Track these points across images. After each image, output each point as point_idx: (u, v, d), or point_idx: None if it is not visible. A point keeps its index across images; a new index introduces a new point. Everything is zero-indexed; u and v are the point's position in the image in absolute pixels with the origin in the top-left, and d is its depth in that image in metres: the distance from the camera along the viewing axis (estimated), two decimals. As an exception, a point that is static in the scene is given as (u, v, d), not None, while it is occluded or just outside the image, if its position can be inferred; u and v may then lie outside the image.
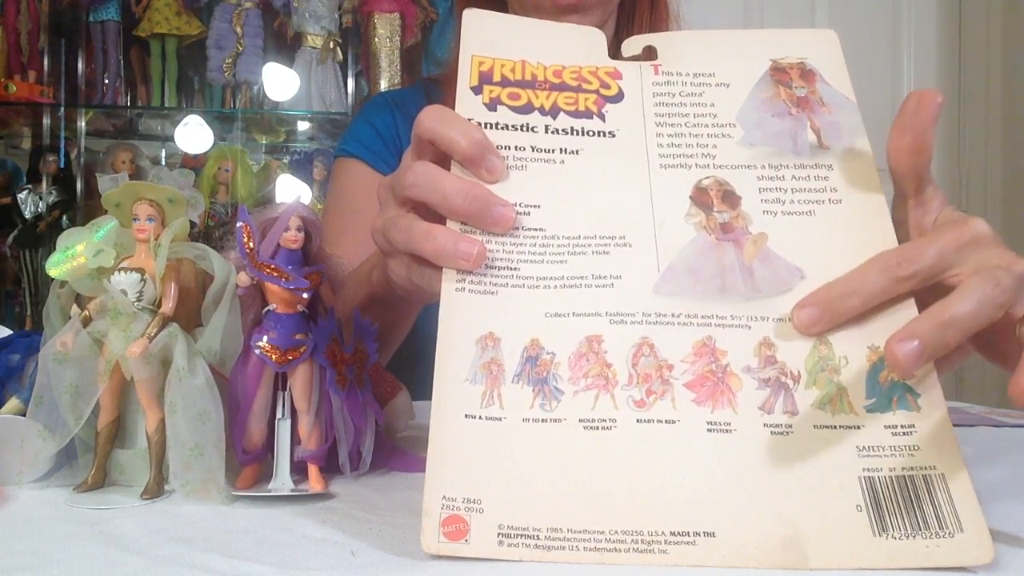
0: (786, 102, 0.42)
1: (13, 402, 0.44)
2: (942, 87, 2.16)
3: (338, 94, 2.05)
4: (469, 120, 0.40)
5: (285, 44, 2.08)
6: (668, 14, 0.83)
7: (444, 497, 0.32)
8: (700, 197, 0.39)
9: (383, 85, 1.99)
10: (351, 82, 2.08)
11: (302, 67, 2.03)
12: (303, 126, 2.25)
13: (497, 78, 0.42)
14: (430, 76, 1.13)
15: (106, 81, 2.04)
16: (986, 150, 2.09)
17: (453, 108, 0.41)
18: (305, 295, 0.41)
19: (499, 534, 0.31)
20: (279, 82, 2.01)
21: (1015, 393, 0.32)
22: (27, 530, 0.34)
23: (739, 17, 2.19)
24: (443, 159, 0.40)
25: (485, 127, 0.40)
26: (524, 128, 0.41)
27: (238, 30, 2.00)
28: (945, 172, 2.14)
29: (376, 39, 2.00)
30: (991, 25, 2.08)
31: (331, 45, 2.02)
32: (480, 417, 0.34)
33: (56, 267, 0.40)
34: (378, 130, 0.89)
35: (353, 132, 0.93)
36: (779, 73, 0.43)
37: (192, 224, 0.43)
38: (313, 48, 2.03)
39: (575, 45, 0.44)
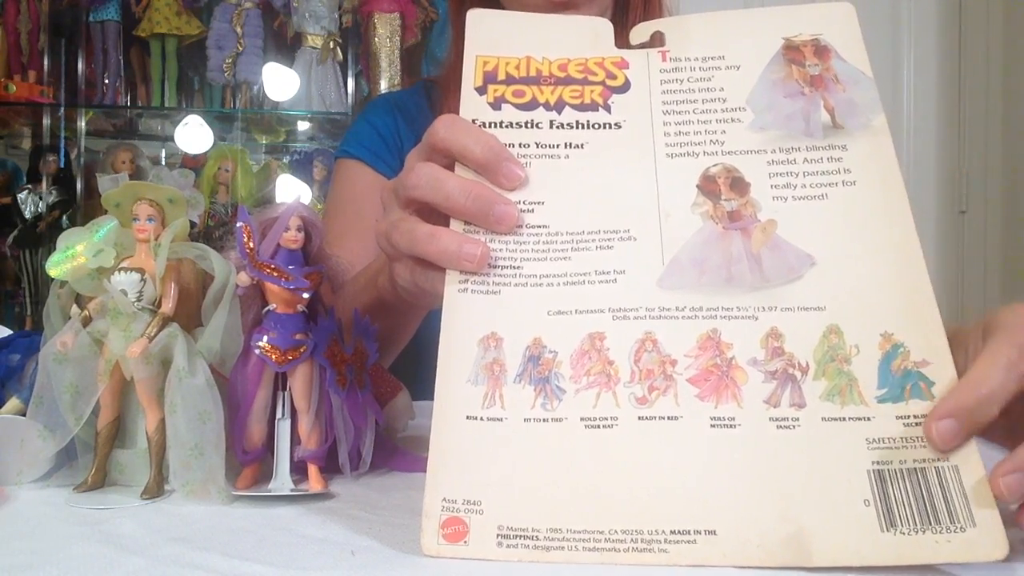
0: (799, 82, 0.40)
1: (13, 402, 0.44)
2: (942, 87, 2.16)
3: (338, 94, 2.05)
4: (481, 126, 0.40)
5: (285, 44, 2.08)
6: (662, 4, 0.82)
7: (444, 499, 0.32)
8: (708, 186, 0.38)
9: (383, 85, 1.98)
10: (351, 82, 2.08)
11: (302, 67, 2.03)
12: (303, 126, 2.25)
13: (502, 76, 0.42)
14: (430, 77, 1.13)
15: (106, 81, 2.04)
16: (986, 150, 2.09)
17: (455, 108, 0.41)
18: (305, 295, 0.41)
19: (498, 535, 0.32)
20: (279, 82, 2.01)
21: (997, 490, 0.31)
22: (27, 530, 0.34)
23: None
24: (452, 166, 0.40)
25: (489, 126, 0.40)
26: (528, 125, 0.40)
27: (238, 30, 2.00)
28: (945, 172, 2.14)
29: (376, 39, 2.00)
30: (991, 25, 2.08)
31: (331, 45, 2.02)
32: (481, 418, 0.34)
33: (56, 267, 0.40)
34: (379, 132, 0.89)
35: (354, 133, 0.92)
36: (792, 52, 0.41)
37: (192, 224, 0.43)
38: (313, 48, 2.03)
39: (581, 37, 0.43)
